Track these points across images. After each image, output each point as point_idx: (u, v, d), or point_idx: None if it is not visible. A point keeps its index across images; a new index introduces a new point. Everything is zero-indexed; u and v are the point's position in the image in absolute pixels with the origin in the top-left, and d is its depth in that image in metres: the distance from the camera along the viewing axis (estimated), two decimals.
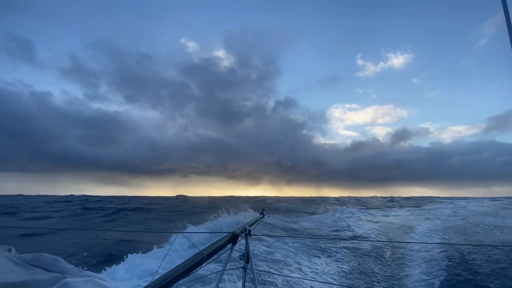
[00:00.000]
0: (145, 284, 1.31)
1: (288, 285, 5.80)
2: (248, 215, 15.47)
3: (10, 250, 1.14)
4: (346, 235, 13.19)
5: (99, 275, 0.98)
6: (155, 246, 8.02)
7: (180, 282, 1.51)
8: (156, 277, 1.40)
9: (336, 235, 13.71)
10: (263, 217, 3.60)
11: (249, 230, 2.52)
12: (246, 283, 2.62)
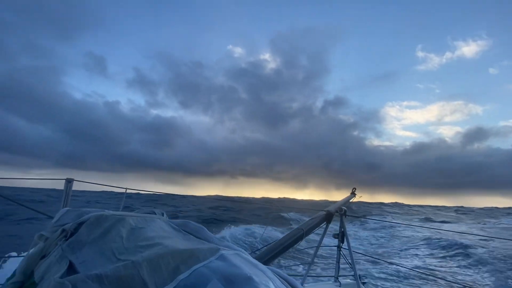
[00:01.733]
0: None
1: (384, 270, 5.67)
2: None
3: (163, 215, 1.20)
4: None
5: (239, 248, 0.97)
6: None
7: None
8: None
9: None
10: (355, 196, 3.47)
11: (345, 210, 2.60)
12: (340, 261, 2.80)
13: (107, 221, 0.94)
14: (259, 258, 1.30)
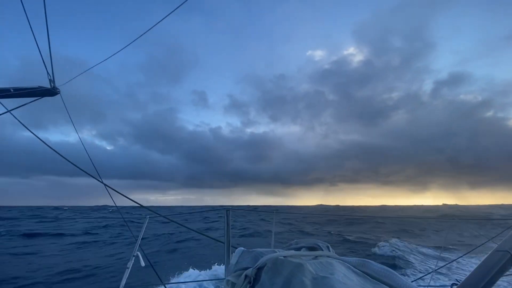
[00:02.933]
0: None
1: None
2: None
3: (328, 248, 1.09)
4: None
5: None
6: None
7: None
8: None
9: None
10: None
11: None
12: None
13: (285, 268, 0.94)
14: None
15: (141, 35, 3.10)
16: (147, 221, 2.73)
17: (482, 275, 1.02)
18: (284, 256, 1.01)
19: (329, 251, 1.11)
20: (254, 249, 1.15)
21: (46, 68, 2.79)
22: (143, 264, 2.33)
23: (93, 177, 2.80)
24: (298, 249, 1.17)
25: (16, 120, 2.53)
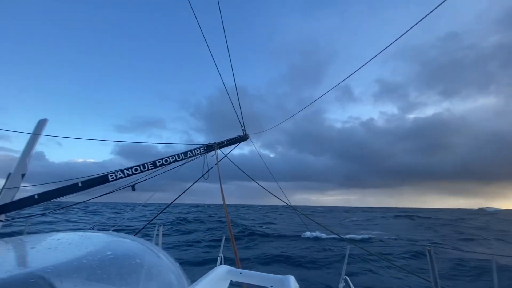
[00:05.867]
0: None
1: None
2: None
3: None
4: None
5: None
6: None
7: None
8: None
9: None
10: None
11: None
12: None
13: None
14: None
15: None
16: (348, 251, 3.53)
17: None
18: None
19: None
20: None
21: (239, 120, 4.54)
22: None
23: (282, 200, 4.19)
24: None
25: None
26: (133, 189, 3.53)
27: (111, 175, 3.36)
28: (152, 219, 4.30)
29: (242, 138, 4.60)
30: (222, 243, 4.54)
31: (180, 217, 29.72)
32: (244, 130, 4.62)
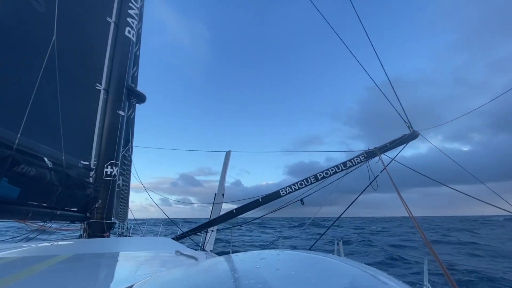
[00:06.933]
0: None
1: None
2: None
3: None
4: None
5: None
6: None
7: None
8: None
9: None
10: None
11: None
12: None
13: None
14: None
15: None
16: None
17: None
18: None
19: None
20: None
21: (401, 117, 3.84)
22: None
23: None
24: None
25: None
26: (302, 203, 3.78)
27: (282, 191, 3.79)
28: (323, 234, 4.32)
29: (410, 137, 3.84)
30: (426, 269, 3.31)
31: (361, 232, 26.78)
32: (410, 127, 3.86)
